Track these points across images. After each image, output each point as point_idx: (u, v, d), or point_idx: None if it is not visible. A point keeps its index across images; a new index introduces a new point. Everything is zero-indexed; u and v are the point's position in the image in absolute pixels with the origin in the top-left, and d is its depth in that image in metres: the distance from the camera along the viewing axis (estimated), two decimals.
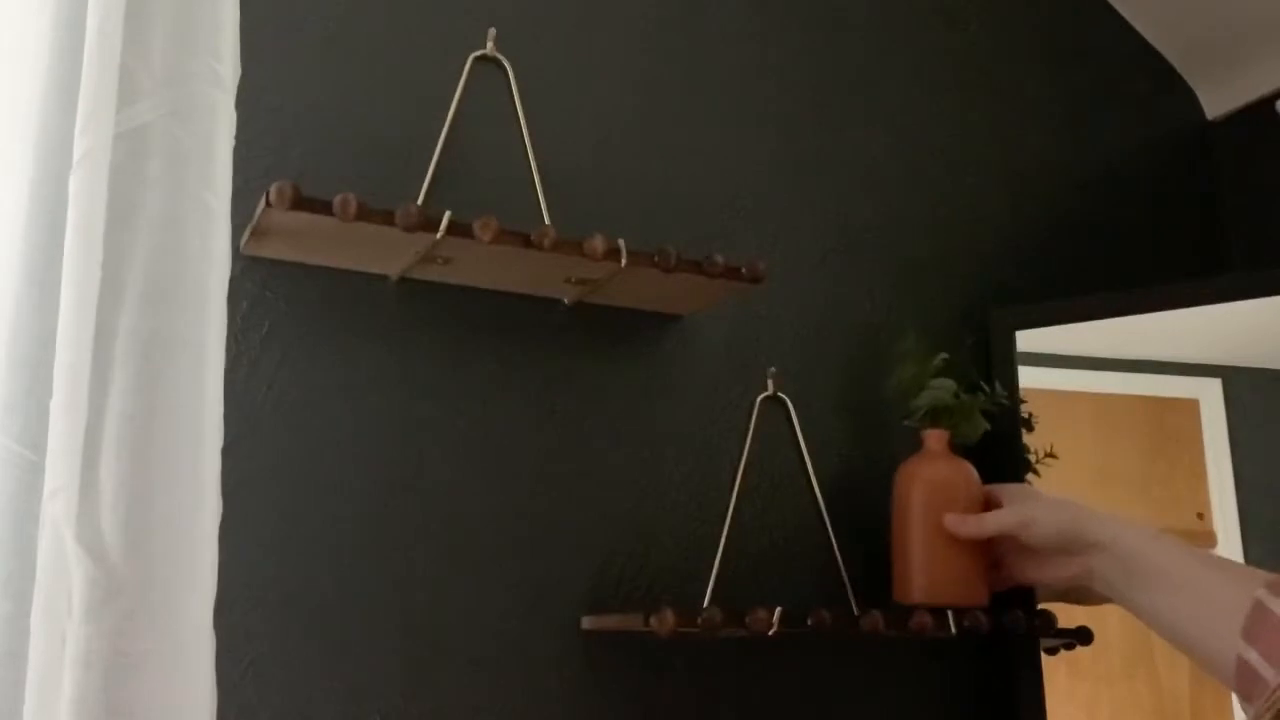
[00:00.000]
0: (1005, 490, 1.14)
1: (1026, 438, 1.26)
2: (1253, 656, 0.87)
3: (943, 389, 1.14)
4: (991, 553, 1.13)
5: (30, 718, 0.72)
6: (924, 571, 1.11)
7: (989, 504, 1.13)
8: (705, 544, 1.14)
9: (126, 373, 0.77)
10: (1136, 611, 1.02)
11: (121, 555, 0.75)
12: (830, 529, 1.19)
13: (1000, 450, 1.24)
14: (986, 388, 1.17)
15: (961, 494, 1.12)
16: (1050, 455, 1.24)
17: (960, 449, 1.18)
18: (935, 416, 1.15)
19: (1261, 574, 0.93)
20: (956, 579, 1.10)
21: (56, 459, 0.74)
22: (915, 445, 1.17)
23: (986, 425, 1.17)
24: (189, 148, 0.82)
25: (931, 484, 1.13)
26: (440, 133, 1.09)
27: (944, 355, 1.16)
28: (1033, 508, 1.09)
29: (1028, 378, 1.27)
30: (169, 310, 0.79)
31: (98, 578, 0.74)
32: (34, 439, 0.77)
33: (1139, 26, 1.53)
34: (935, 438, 1.16)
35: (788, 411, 1.21)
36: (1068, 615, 1.16)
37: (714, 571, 1.12)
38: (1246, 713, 0.88)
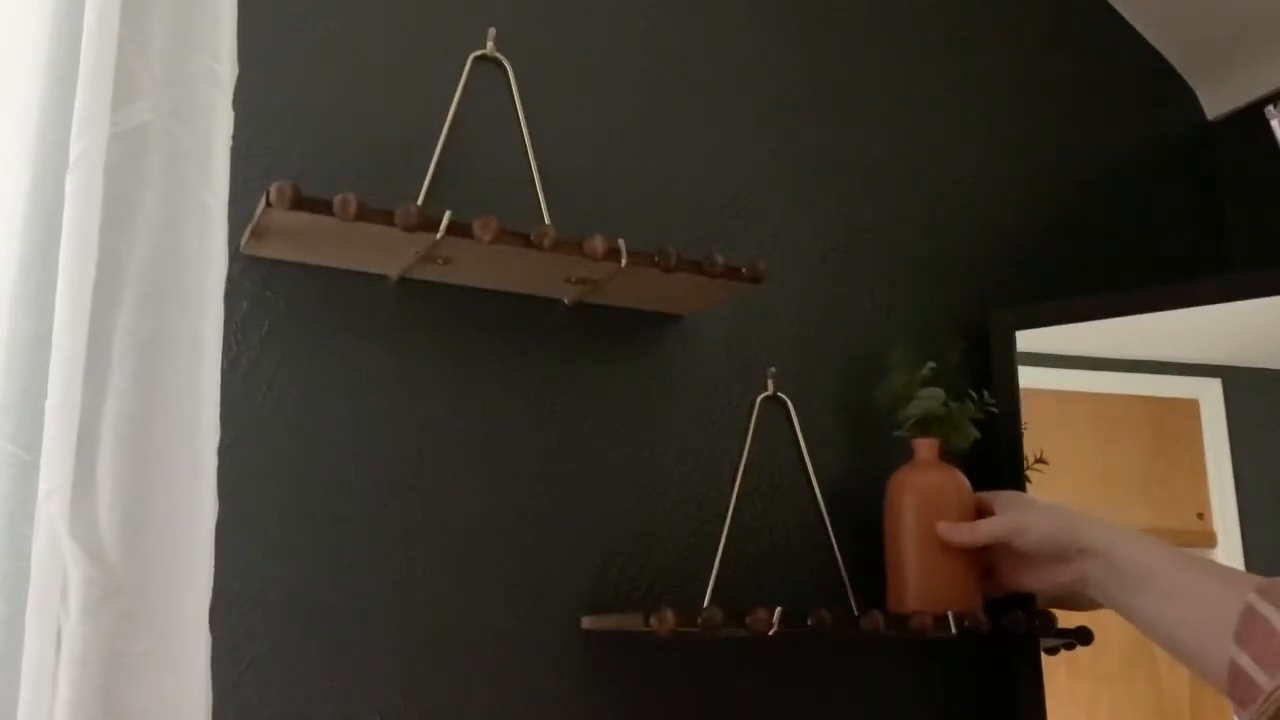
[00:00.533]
0: (997, 497, 1.14)
1: None
2: (1245, 660, 0.87)
3: (932, 398, 1.14)
4: (984, 561, 1.13)
5: (25, 718, 0.72)
6: (918, 580, 1.11)
7: (981, 511, 1.13)
8: (705, 544, 1.14)
9: (124, 372, 0.77)
10: (1130, 616, 1.02)
11: (119, 555, 0.75)
12: (830, 529, 1.19)
13: (1000, 454, 1.24)
14: (975, 396, 1.17)
15: (953, 502, 1.12)
16: (1040, 461, 1.23)
17: (960, 454, 1.18)
18: (925, 426, 1.15)
19: (1253, 578, 0.94)
20: (951, 587, 1.10)
21: (52, 459, 0.74)
22: (911, 450, 1.17)
23: (976, 434, 1.17)
24: (187, 147, 0.82)
25: (923, 493, 1.13)
26: (440, 133, 1.09)
27: (932, 364, 1.16)
28: (1025, 515, 1.09)
29: (1028, 378, 1.27)
30: (167, 310, 0.79)
31: (95, 577, 0.74)
32: (28, 439, 0.77)
33: (1139, 26, 1.53)
34: (926, 446, 1.16)
35: (788, 411, 1.21)
36: (1067, 615, 1.16)
37: (714, 571, 1.12)
38: (1241, 718, 0.88)
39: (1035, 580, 1.10)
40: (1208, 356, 1.31)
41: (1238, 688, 0.88)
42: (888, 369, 1.19)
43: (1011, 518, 1.09)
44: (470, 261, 1.03)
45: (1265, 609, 0.88)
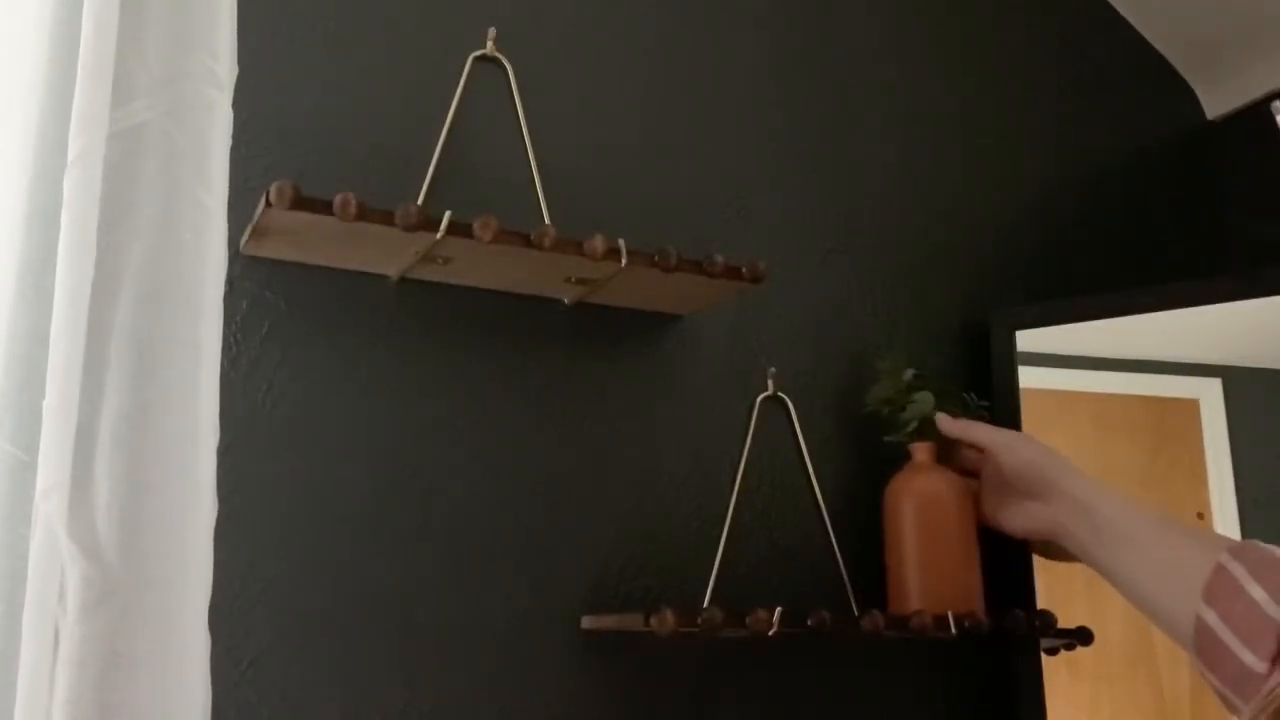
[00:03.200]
0: (999, 430, 1.16)
1: None
2: (1211, 618, 0.88)
3: (924, 403, 1.15)
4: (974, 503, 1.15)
5: (21, 718, 0.72)
6: (920, 583, 1.12)
7: (980, 465, 1.15)
8: (705, 544, 1.14)
9: (122, 372, 0.77)
10: (1101, 570, 1.04)
11: (117, 554, 0.75)
12: (830, 529, 1.19)
13: None
14: (967, 398, 1.17)
15: (951, 505, 1.13)
16: None
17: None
18: (921, 430, 1.16)
19: (1224, 539, 0.96)
20: (952, 589, 1.11)
21: (49, 458, 0.74)
22: (908, 453, 1.17)
23: None
24: (184, 146, 0.82)
25: (922, 496, 1.14)
26: (440, 133, 1.09)
27: (912, 370, 1.17)
28: (1017, 437, 1.14)
29: (1028, 378, 1.27)
30: (165, 310, 0.79)
31: (93, 577, 0.74)
32: (26, 440, 0.77)
33: (1139, 26, 1.53)
34: (922, 450, 1.16)
35: (788, 411, 1.21)
36: (1068, 615, 1.16)
37: (714, 571, 1.12)
38: (1203, 676, 0.89)
39: (1013, 517, 1.11)
40: (1208, 356, 1.31)
41: (1203, 644, 0.89)
42: (876, 376, 1.19)
43: (1004, 432, 1.13)
44: (470, 261, 1.03)
45: (1235, 568, 0.89)
